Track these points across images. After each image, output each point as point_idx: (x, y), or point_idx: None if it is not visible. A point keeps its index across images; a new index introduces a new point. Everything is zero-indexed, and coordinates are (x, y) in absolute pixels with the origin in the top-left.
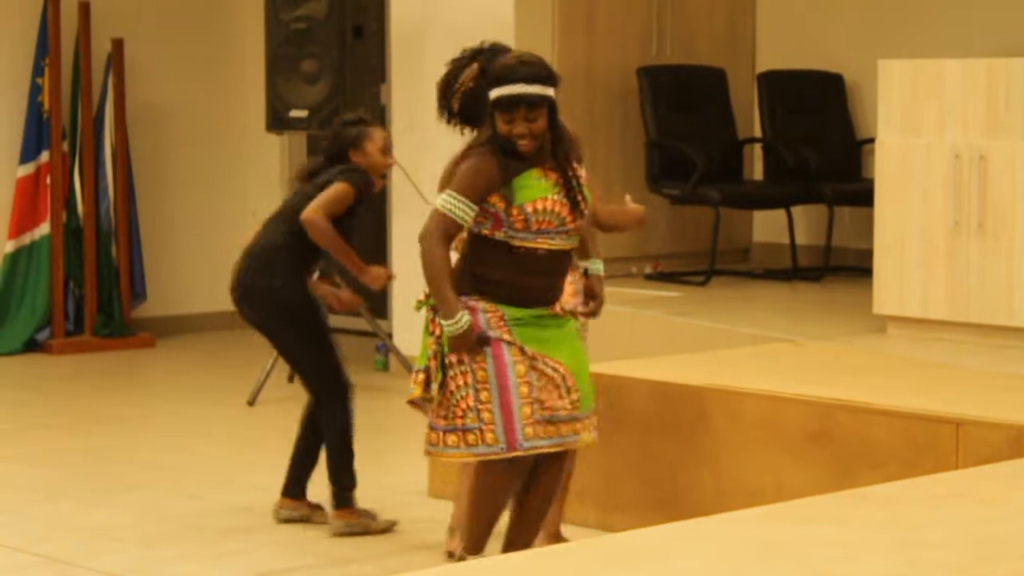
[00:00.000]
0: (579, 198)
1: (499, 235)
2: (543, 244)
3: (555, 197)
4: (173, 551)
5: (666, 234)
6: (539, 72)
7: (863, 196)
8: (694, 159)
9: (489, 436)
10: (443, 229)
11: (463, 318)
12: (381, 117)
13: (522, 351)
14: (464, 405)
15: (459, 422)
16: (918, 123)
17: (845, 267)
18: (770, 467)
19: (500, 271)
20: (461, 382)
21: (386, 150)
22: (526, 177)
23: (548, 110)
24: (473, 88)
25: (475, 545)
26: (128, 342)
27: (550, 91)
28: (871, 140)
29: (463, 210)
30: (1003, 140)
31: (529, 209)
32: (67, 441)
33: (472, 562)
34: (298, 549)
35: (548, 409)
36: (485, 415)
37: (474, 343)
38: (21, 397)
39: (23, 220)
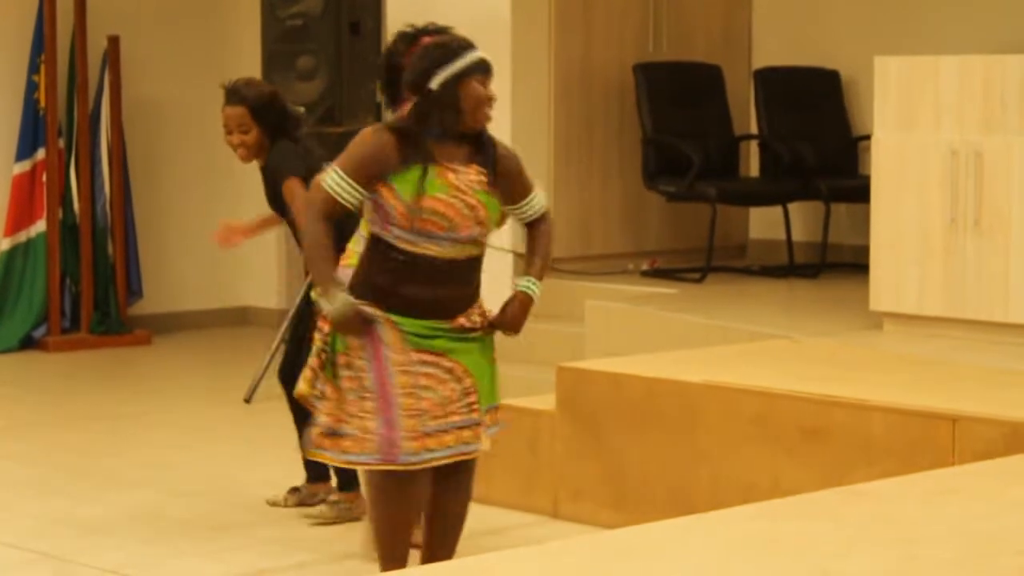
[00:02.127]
0: (475, 204)
1: (386, 235)
2: (429, 249)
3: (447, 198)
4: (170, 548)
5: (662, 231)
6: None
7: (859, 193)
8: (690, 156)
9: (368, 445)
10: (324, 207)
11: (339, 298)
12: (377, 114)
13: (409, 357)
14: (350, 410)
15: (341, 426)
16: (914, 120)
17: (841, 264)
18: (766, 464)
19: (384, 276)
20: (348, 386)
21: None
22: (417, 170)
23: None
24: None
25: (387, 558)
26: (124, 339)
27: None
28: (867, 137)
29: (349, 192)
30: (999, 137)
31: (413, 204)
32: (63, 438)
33: (467, 560)
34: (295, 546)
35: (438, 418)
36: (369, 423)
37: (359, 324)
38: (17, 394)
39: (19, 217)
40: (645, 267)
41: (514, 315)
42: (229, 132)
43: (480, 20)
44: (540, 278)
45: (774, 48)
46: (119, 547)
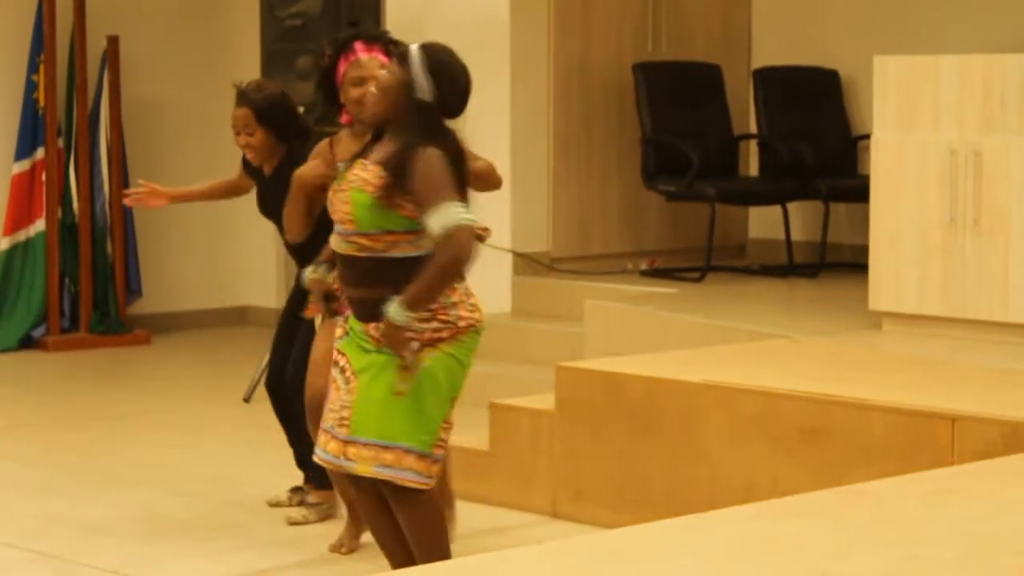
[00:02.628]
0: (347, 200)
1: None
2: (333, 242)
3: (335, 191)
4: (169, 548)
5: (661, 230)
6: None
7: (859, 192)
8: (690, 155)
9: None
10: None
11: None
12: None
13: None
14: None
15: None
16: (913, 119)
17: (841, 263)
18: (765, 463)
19: None
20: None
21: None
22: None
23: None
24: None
25: None
26: (123, 339)
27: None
28: (867, 136)
29: None
30: (998, 136)
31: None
32: (62, 438)
33: (467, 560)
34: (294, 546)
35: (326, 417)
36: None
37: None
38: (16, 394)
39: (19, 217)
40: (644, 267)
41: (382, 336)
42: (237, 133)
43: (479, 20)
44: (409, 305)
45: (773, 48)
46: (119, 547)
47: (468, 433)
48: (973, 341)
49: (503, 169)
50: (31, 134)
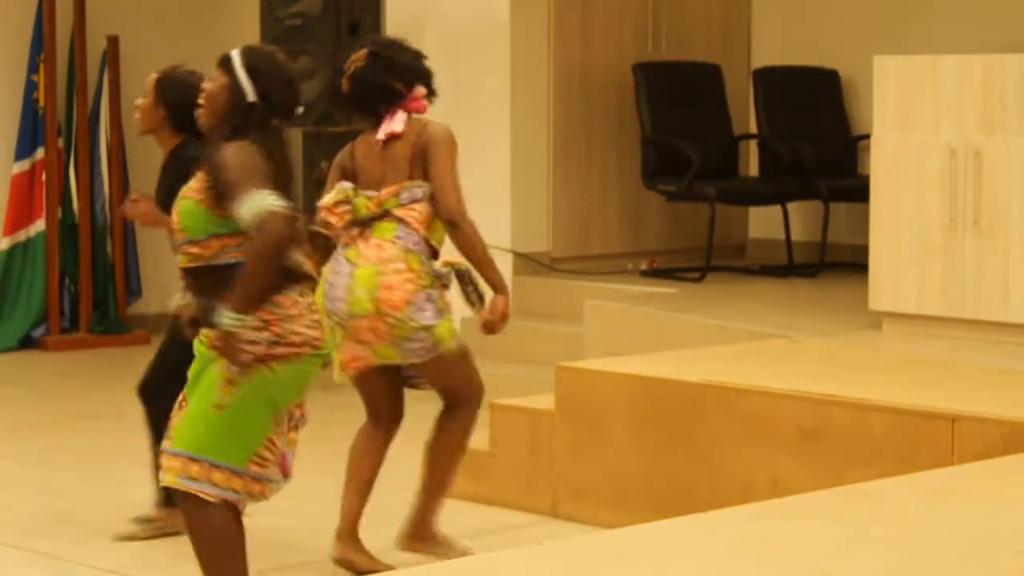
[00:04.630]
0: (177, 210)
1: None
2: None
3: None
4: (169, 548)
5: (661, 230)
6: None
7: (859, 192)
8: (690, 155)
9: None
10: None
11: None
12: None
13: None
14: None
15: None
16: (913, 119)
17: (841, 263)
18: (765, 463)
19: None
20: None
21: None
22: None
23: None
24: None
25: None
26: (123, 339)
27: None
28: (866, 136)
29: None
30: (998, 136)
31: None
32: (62, 438)
33: (467, 559)
34: (293, 547)
35: None
36: None
37: None
38: (16, 394)
39: (18, 217)
40: (644, 267)
41: (217, 343)
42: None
43: (479, 20)
44: (235, 306)
45: (773, 48)
46: (118, 547)
47: None
48: (973, 341)
49: (503, 170)
50: (31, 134)
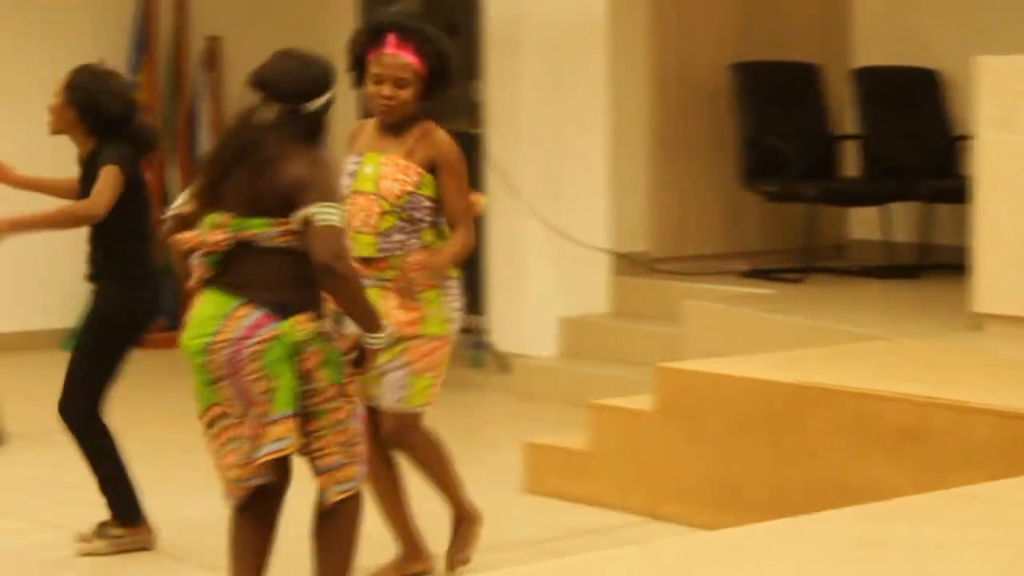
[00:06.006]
0: None
1: None
2: None
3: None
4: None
5: (760, 231)
6: None
7: (959, 193)
8: (789, 156)
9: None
10: None
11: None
12: (475, 115)
13: None
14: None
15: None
16: (1016, 120)
17: (941, 264)
18: (864, 465)
19: None
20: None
21: None
22: None
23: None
24: None
25: None
26: None
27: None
28: (967, 136)
29: None
30: None
31: None
32: (165, 435)
33: (566, 560)
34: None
35: None
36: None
37: None
38: (119, 391)
39: None
40: (743, 267)
41: None
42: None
43: (577, 20)
44: (373, 328)
45: (873, 47)
46: (221, 546)
47: (567, 433)
48: None
49: (601, 170)
50: None
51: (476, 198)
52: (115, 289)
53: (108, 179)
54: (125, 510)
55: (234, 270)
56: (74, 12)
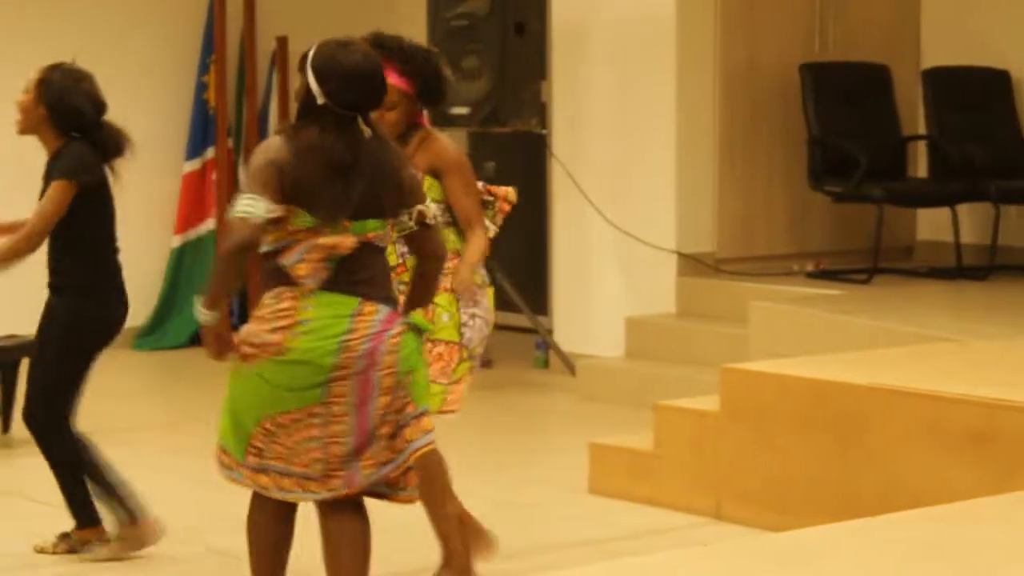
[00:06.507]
0: None
1: None
2: None
3: None
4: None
5: (827, 231)
6: None
7: None
8: (857, 156)
9: None
10: None
11: None
12: (541, 115)
13: None
14: None
15: None
16: None
17: (1010, 266)
18: (934, 467)
19: None
20: None
21: None
22: None
23: None
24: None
25: None
26: None
27: None
28: None
29: None
30: None
31: None
32: None
33: (631, 560)
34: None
35: None
36: None
37: None
38: (185, 390)
39: (189, 216)
40: (810, 268)
41: None
42: None
43: (645, 19)
44: (203, 302)
45: (942, 47)
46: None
47: (633, 434)
48: None
49: (668, 169)
50: (201, 134)
51: (507, 190)
52: (77, 298)
53: (52, 195)
54: (86, 516)
55: (349, 270)
56: (145, 14)
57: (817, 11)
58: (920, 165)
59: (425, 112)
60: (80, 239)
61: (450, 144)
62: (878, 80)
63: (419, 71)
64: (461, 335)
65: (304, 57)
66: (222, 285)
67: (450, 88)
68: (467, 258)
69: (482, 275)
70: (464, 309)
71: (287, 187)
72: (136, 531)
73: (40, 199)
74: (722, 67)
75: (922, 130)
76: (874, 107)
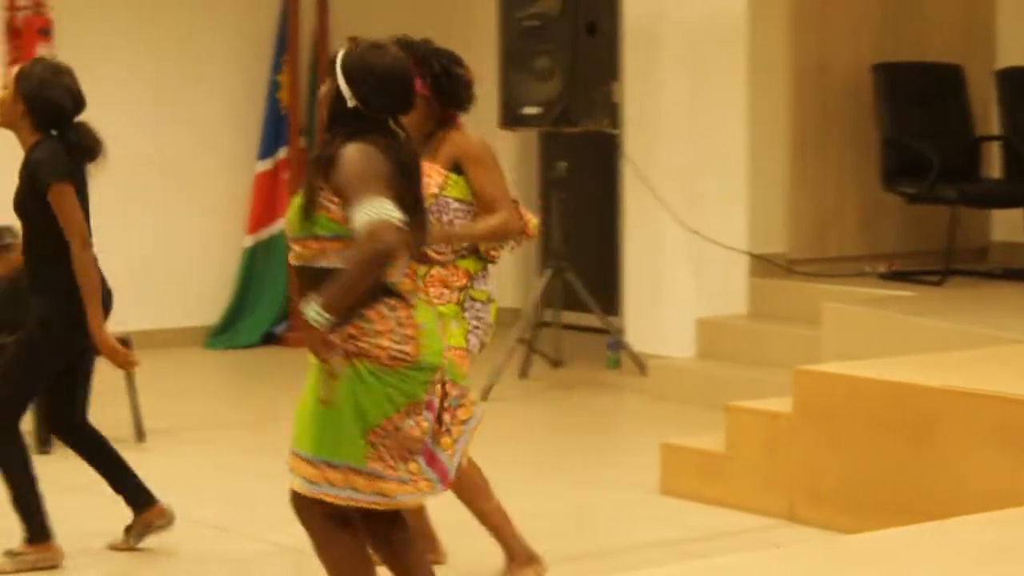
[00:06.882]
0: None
1: None
2: None
3: None
4: None
5: (900, 232)
6: None
7: None
8: (930, 157)
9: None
10: None
11: None
12: (613, 115)
13: None
14: None
15: None
16: None
17: None
18: (1006, 470)
19: None
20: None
21: None
22: None
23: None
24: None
25: None
26: None
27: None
28: None
29: None
30: None
31: None
32: None
33: (702, 563)
34: None
35: None
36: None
37: None
38: (259, 389)
39: (261, 215)
40: (882, 269)
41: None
42: None
43: (717, 19)
44: (324, 304)
45: (1016, 48)
46: None
47: (704, 435)
48: None
49: (740, 170)
50: (274, 134)
51: (531, 218)
52: (52, 301)
53: (62, 205)
54: (35, 527)
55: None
56: (219, 14)
57: (889, 11)
58: (994, 165)
59: (459, 115)
60: (56, 240)
61: (472, 136)
62: (951, 80)
63: (429, 71)
64: (467, 341)
65: (332, 60)
66: (353, 290)
67: (466, 88)
68: (481, 222)
69: (488, 291)
70: (469, 315)
71: (391, 194)
72: (47, 550)
73: (16, 198)
74: (794, 67)
75: (996, 130)
76: (947, 107)
